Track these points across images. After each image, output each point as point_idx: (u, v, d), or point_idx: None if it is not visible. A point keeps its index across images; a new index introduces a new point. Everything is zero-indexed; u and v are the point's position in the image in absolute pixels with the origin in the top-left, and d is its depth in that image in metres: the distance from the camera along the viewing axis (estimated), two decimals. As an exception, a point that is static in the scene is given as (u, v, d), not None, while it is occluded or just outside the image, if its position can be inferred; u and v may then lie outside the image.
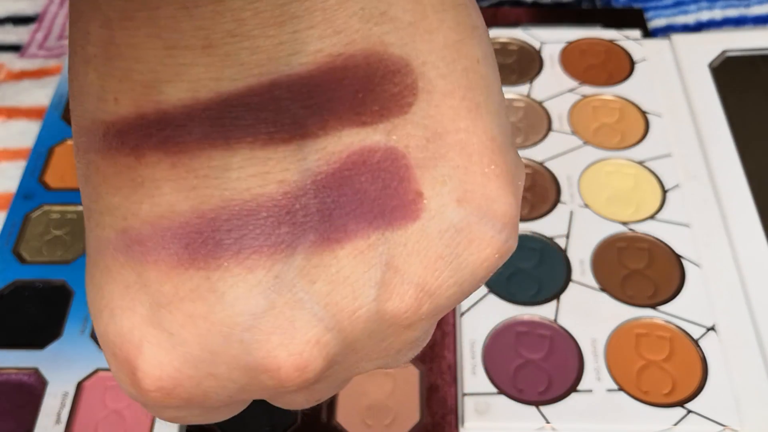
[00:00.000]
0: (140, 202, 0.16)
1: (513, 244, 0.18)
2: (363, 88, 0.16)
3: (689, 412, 0.34)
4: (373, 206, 0.17)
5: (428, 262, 0.17)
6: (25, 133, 0.46)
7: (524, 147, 0.44)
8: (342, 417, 0.34)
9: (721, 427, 0.33)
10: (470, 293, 0.19)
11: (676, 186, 0.42)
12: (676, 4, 0.52)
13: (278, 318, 0.17)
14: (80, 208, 0.42)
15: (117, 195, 0.17)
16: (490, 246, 0.18)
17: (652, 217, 0.40)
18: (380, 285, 0.17)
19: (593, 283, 0.38)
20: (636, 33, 0.50)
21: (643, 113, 0.45)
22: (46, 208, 0.42)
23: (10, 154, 0.45)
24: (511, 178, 0.18)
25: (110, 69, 0.16)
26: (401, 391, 0.35)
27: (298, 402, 0.20)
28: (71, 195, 0.42)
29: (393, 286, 0.17)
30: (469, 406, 0.34)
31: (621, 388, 0.34)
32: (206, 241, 0.16)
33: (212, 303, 0.17)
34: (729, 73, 0.47)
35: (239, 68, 0.15)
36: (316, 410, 0.34)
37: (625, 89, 0.47)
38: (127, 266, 0.17)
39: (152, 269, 0.17)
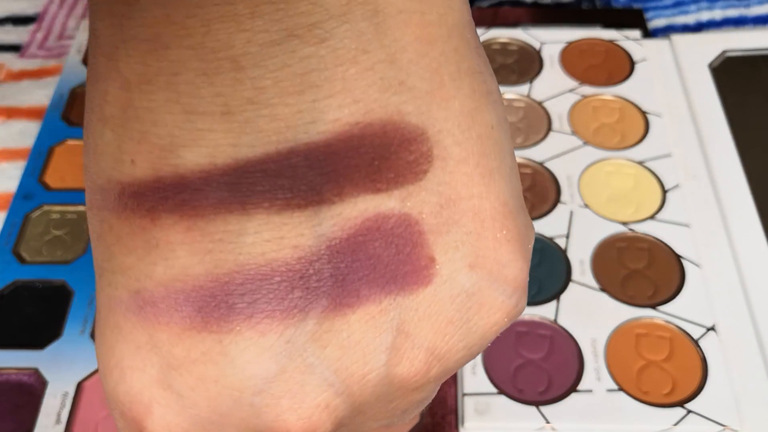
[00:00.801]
0: (154, 263, 0.17)
1: (522, 307, 0.19)
2: (379, 156, 0.16)
3: (689, 412, 0.34)
4: (386, 271, 0.17)
5: (439, 327, 0.18)
6: (25, 133, 0.46)
7: (524, 147, 0.44)
8: (342, 417, 0.34)
9: (721, 427, 0.33)
10: (477, 354, 0.19)
11: (676, 186, 0.42)
12: (676, 5, 0.52)
13: (288, 382, 0.17)
14: (81, 208, 0.42)
15: (131, 255, 0.17)
16: (500, 310, 0.18)
17: (652, 217, 0.40)
18: (391, 350, 0.17)
19: (593, 283, 0.38)
20: (636, 33, 0.50)
21: (643, 113, 0.45)
22: (46, 208, 0.42)
23: (10, 154, 0.45)
24: (522, 242, 0.18)
25: (128, 130, 0.16)
26: (401, 391, 0.35)
27: None
28: (71, 195, 0.42)
29: (403, 351, 0.18)
30: (469, 406, 0.34)
31: (621, 388, 0.34)
32: (219, 304, 0.16)
33: (223, 366, 0.17)
34: (729, 73, 0.47)
35: (257, 135, 0.16)
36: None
37: (625, 89, 0.47)
38: (138, 327, 0.17)
39: (164, 331, 0.17)
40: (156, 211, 0.16)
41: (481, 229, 0.18)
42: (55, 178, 0.43)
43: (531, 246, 0.19)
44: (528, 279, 0.19)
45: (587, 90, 0.47)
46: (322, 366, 0.17)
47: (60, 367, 0.35)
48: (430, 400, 0.21)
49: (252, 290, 0.16)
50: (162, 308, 0.17)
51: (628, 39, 0.49)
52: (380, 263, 0.17)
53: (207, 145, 0.16)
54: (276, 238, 0.16)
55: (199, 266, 0.16)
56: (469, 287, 0.18)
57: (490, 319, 0.18)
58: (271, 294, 0.16)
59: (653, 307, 0.37)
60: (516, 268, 0.18)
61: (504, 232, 0.18)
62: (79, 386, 0.35)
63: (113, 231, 0.17)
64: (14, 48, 0.51)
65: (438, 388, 0.20)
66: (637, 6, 0.52)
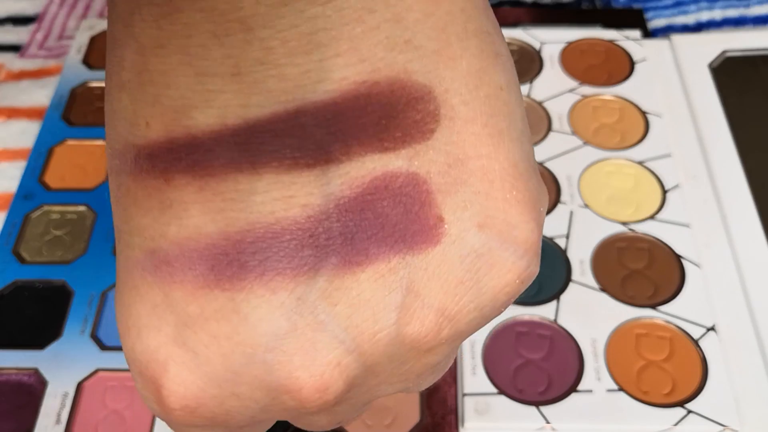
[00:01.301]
0: (168, 223, 0.17)
1: (534, 270, 0.19)
2: (386, 114, 0.17)
3: (689, 412, 0.34)
4: (395, 230, 0.17)
5: (449, 287, 0.18)
6: (25, 133, 0.46)
7: (524, 147, 0.44)
8: (342, 417, 0.34)
9: (721, 427, 0.33)
10: (491, 318, 0.19)
11: (676, 186, 0.42)
12: (676, 5, 0.52)
13: (300, 339, 0.17)
14: (80, 208, 0.42)
15: (146, 216, 0.17)
16: (511, 272, 0.18)
17: (652, 217, 0.40)
18: (401, 309, 0.18)
19: (593, 283, 0.38)
20: (636, 33, 0.50)
21: (643, 113, 0.45)
22: (46, 208, 0.42)
23: (10, 154, 0.45)
24: (532, 204, 0.18)
25: (142, 94, 0.16)
26: (401, 391, 0.35)
27: (321, 424, 0.20)
28: (71, 195, 0.42)
29: (413, 311, 0.18)
30: (469, 406, 0.34)
31: (621, 388, 0.34)
32: (231, 262, 0.17)
33: (236, 324, 0.17)
34: (729, 73, 0.47)
35: (266, 95, 0.16)
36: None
37: (625, 89, 0.47)
38: (154, 286, 0.17)
39: (179, 289, 0.17)
40: (169, 171, 0.17)
41: (489, 189, 0.18)
42: (55, 178, 0.43)
43: (543, 210, 0.19)
44: (540, 242, 0.19)
45: (587, 90, 0.47)
46: (333, 323, 0.17)
47: (60, 367, 0.36)
48: (448, 367, 0.21)
49: (263, 248, 0.17)
50: (176, 267, 0.17)
51: (628, 39, 0.49)
52: (389, 222, 0.17)
53: (218, 106, 0.16)
54: (285, 196, 0.16)
55: (211, 225, 0.17)
56: (478, 247, 0.18)
57: (501, 280, 0.18)
58: (281, 252, 0.17)
59: (653, 307, 0.37)
60: (527, 230, 0.18)
61: (514, 193, 0.18)
62: (79, 386, 0.35)
63: (130, 193, 0.17)
64: (14, 48, 0.51)
65: (454, 353, 0.20)
66: (637, 6, 0.52)
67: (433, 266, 0.17)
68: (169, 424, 0.19)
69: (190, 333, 0.17)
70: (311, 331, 0.17)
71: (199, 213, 0.17)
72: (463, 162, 0.17)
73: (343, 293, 0.17)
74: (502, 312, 0.19)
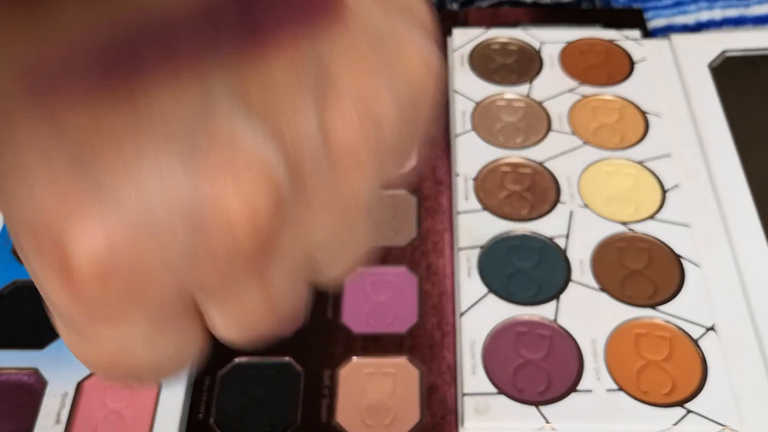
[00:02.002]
0: (44, 33, 0.14)
1: (437, 63, 0.18)
2: None
3: (689, 412, 0.34)
4: (297, 9, 0.16)
5: (365, 74, 0.16)
6: (24, 133, 0.46)
7: (524, 147, 0.44)
8: (342, 417, 0.34)
9: (721, 427, 0.33)
10: (410, 119, 0.18)
11: (676, 186, 0.42)
12: (675, 5, 0.52)
13: (214, 140, 0.15)
14: (80, 208, 0.42)
15: (15, 36, 0.14)
16: (418, 55, 0.17)
17: (651, 217, 0.41)
18: (319, 96, 0.16)
19: (593, 283, 0.38)
20: (636, 33, 0.50)
21: (643, 113, 0.45)
22: (46, 208, 0.42)
23: (9, 154, 0.45)
24: None
25: None
26: (401, 391, 0.35)
27: (252, 303, 0.17)
28: (71, 195, 0.42)
29: (333, 98, 0.16)
30: (469, 406, 0.34)
31: (621, 388, 0.34)
32: (123, 62, 0.14)
33: (140, 133, 0.14)
34: (729, 73, 0.47)
35: None
36: (315, 410, 0.34)
37: (624, 89, 0.47)
38: (38, 118, 0.14)
39: (68, 109, 0.14)
40: None
41: None
42: (54, 178, 0.43)
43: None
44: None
45: (587, 90, 0.47)
46: (249, 116, 0.15)
47: (60, 367, 0.35)
48: (379, 221, 0.19)
49: (157, 41, 0.14)
50: (61, 81, 0.14)
51: (628, 39, 0.49)
52: (289, 1, 0.16)
53: None
54: None
55: (96, 22, 0.14)
56: (386, 30, 0.17)
57: (412, 68, 0.17)
58: (178, 41, 0.14)
59: (653, 307, 0.37)
60: (426, 15, 0.18)
61: None
62: (79, 386, 0.35)
63: None
64: (14, 48, 0.51)
65: (379, 189, 0.18)
66: (636, 6, 0.52)
67: (344, 50, 0.16)
68: (79, 310, 0.16)
69: (90, 159, 0.14)
70: (227, 128, 0.15)
71: (79, 13, 0.14)
72: None
73: (254, 81, 0.15)
74: (420, 116, 0.18)
